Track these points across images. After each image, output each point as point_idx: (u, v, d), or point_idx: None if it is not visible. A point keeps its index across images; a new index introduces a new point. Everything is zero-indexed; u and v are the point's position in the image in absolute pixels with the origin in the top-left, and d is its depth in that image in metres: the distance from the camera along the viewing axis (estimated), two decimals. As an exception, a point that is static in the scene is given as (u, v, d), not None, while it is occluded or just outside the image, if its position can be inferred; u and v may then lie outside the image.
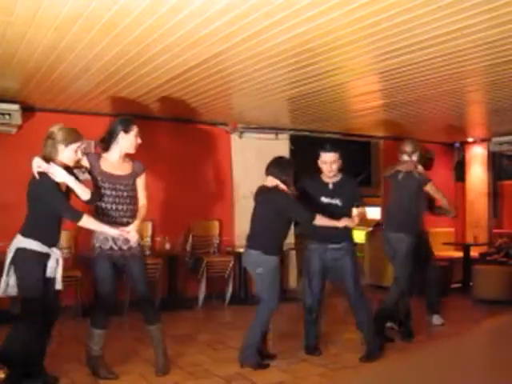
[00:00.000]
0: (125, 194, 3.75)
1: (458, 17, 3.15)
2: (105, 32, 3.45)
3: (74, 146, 3.50)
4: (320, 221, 4.03)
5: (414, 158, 4.90)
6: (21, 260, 3.38)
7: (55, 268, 3.49)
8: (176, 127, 6.68)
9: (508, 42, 3.60)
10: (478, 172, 8.70)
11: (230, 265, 6.53)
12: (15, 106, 5.45)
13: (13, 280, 3.42)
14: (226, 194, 6.99)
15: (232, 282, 6.62)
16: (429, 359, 1.00)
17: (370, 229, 8.17)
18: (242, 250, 6.66)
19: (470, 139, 8.59)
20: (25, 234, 3.42)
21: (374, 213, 8.06)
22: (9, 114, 5.44)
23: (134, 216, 3.79)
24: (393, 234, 4.82)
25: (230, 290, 6.62)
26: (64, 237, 5.69)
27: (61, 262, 3.53)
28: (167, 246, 6.25)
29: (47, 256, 3.45)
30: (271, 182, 4.14)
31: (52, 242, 3.49)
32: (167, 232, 6.39)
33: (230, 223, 7.00)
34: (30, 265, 3.39)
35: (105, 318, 3.82)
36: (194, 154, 6.80)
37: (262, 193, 4.17)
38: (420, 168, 4.92)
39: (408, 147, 4.94)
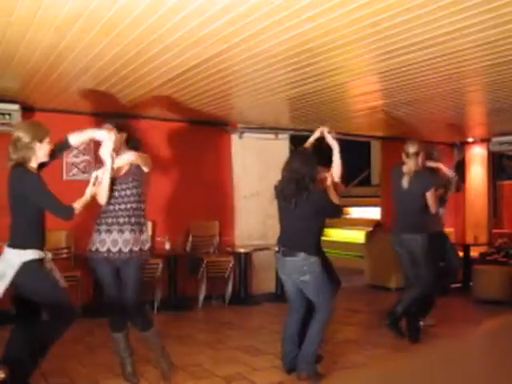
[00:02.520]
0: None
1: (458, 17, 3.15)
2: (105, 32, 3.45)
3: (47, 140, 3.31)
4: None
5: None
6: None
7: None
8: (176, 127, 6.68)
9: (508, 41, 3.61)
10: (477, 172, 8.71)
11: (230, 265, 6.53)
12: (15, 106, 5.45)
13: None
14: (226, 194, 6.99)
15: (232, 281, 6.62)
16: (429, 359, 1.00)
17: (370, 229, 8.17)
18: (242, 250, 6.70)
19: (470, 139, 8.60)
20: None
21: (373, 213, 8.06)
22: (9, 114, 5.44)
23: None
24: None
25: (229, 290, 6.62)
26: (62, 237, 5.74)
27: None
28: (167, 246, 6.25)
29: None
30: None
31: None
32: (167, 232, 6.39)
33: (230, 223, 7.01)
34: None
35: (119, 320, 3.72)
36: (194, 154, 6.79)
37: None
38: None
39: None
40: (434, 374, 0.95)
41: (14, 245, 3.24)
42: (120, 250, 3.57)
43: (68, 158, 6.01)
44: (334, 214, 4.10)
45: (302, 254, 3.77)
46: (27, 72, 4.45)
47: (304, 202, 3.77)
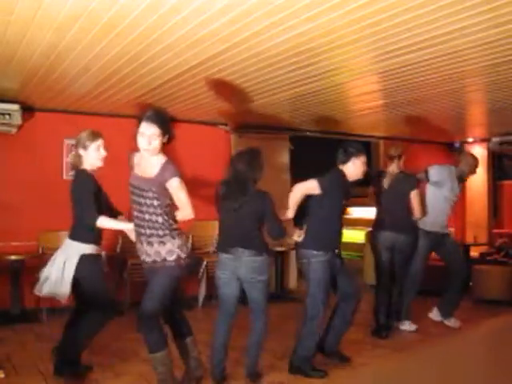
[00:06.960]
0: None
1: (458, 17, 3.15)
2: (105, 32, 3.45)
3: (94, 145, 3.68)
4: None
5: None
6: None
7: None
8: (176, 127, 6.66)
9: (508, 41, 3.60)
10: (478, 172, 8.67)
11: (230, 265, 6.52)
12: (15, 106, 5.45)
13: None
14: (226, 193, 6.98)
15: (232, 282, 6.61)
16: (429, 359, 1.00)
17: (370, 229, 8.15)
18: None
19: (470, 139, 8.59)
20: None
21: (373, 213, 8.02)
22: (9, 114, 5.44)
23: None
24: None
25: (229, 290, 6.61)
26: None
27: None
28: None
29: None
30: None
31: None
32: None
33: (230, 223, 6.99)
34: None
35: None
36: (194, 154, 6.79)
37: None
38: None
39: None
40: (434, 374, 0.95)
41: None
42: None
43: (68, 158, 5.99)
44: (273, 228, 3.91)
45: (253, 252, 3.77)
46: (27, 72, 4.45)
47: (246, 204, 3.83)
